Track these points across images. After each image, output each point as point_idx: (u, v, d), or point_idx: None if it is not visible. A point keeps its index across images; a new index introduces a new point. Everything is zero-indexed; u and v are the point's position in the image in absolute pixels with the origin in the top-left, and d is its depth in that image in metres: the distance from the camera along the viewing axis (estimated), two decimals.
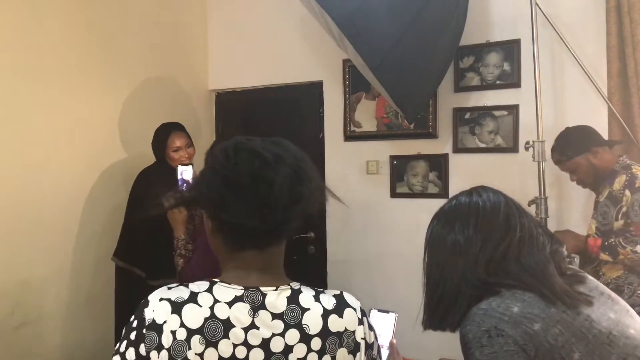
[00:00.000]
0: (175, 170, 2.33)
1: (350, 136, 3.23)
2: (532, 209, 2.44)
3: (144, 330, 0.87)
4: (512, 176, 2.78)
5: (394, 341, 1.33)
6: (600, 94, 2.52)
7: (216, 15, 3.60)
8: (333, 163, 3.29)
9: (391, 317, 1.38)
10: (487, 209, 1.11)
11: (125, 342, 0.88)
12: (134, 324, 0.89)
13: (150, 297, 0.91)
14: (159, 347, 0.86)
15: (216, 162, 0.94)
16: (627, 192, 2.07)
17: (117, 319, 2.53)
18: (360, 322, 0.96)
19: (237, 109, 3.62)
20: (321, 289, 0.98)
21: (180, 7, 3.39)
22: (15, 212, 2.34)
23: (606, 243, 2.08)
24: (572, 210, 2.68)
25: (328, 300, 0.95)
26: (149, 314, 0.88)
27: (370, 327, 0.98)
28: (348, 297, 0.98)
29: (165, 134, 2.55)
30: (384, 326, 1.36)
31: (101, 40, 2.77)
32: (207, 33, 3.62)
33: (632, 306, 2.01)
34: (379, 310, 1.40)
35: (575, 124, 2.59)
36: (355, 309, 0.97)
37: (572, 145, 2.26)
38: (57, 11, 2.54)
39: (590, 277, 1.14)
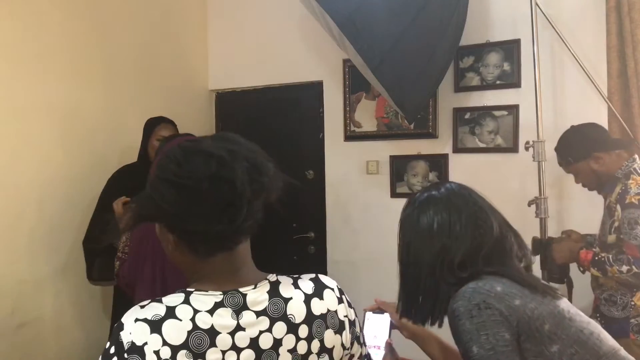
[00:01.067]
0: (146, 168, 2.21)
1: (350, 136, 3.23)
2: (532, 209, 2.44)
3: (125, 355, 0.82)
4: (512, 176, 2.78)
5: (391, 341, 1.33)
6: (600, 94, 2.52)
7: (216, 15, 3.60)
8: (333, 163, 3.29)
9: (386, 317, 1.38)
10: (456, 219, 1.20)
11: None
12: (112, 350, 0.83)
13: (123, 320, 0.86)
14: None
15: (167, 172, 0.87)
16: (618, 208, 1.97)
17: (113, 320, 2.53)
18: (340, 301, 0.97)
19: (237, 109, 3.62)
20: (297, 275, 0.98)
21: (181, 7, 3.39)
22: (15, 212, 2.34)
23: (596, 258, 1.99)
24: (572, 210, 2.68)
25: (306, 285, 0.96)
26: (126, 337, 0.83)
27: (350, 305, 1.00)
28: (324, 278, 1.00)
29: (155, 123, 2.61)
30: (380, 327, 1.36)
31: (101, 40, 2.77)
32: (207, 33, 3.62)
33: (627, 318, 1.99)
34: (374, 312, 1.40)
35: (575, 123, 2.59)
36: (333, 289, 0.98)
37: (573, 151, 2.14)
38: (57, 12, 2.54)
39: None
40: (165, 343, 0.82)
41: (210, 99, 3.68)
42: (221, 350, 0.85)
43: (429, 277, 1.18)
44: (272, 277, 0.95)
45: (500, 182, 2.82)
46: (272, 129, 3.42)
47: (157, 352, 0.82)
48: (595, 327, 1.14)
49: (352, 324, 0.98)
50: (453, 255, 1.17)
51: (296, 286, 0.94)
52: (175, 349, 0.82)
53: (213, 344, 0.84)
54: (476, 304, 1.08)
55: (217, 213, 0.85)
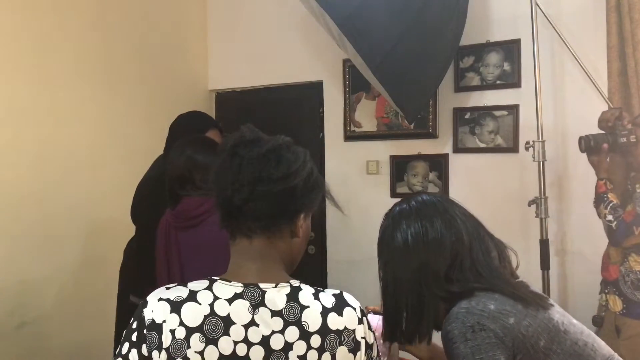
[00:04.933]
0: None
1: (350, 136, 3.23)
2: (532, 209, 2.44)
3: (145, 331, 0.88)
4: (512, 176, 2.78)
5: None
6: (601, 94, 2.52)
7: (216, 15, 3.60)
8: (333, 163, 3.29)
9: None
10: (429, 225, 1.18)
11: (127, 344, 0.89)
12: (134, 325, 0.89)
13: (148, 298, 0.91)
14: (159, 347, 0.86)
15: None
16: None
17: (118, 320, 2.51)
18: (360, 322, 0.96)
19: (237, 109, 3.61)
20: (321, 288, 0.98)
21: (180, 7, 3.39)
22: (15, 212, 2.34)
23: (603, 195, 2.08)
24: (572, 210, 2.68)
25: (327, 298, 0.95)
26: (148, 314, 0.89)
27: (370, 328, 0.99)
28: (348, 296, 0.99)
29: (204, 124, 2.27)
30: (379, 326, 1.36)
31: (101, 41, 2.77)
32: (207, 33, 3.62)
33: None
34: (374, 313, 1.40)
35: (575, 124, 2.59)
36: (355, 309, 0.97)
37: None
38: (57, 12, 2.54)
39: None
40: (181, 323, 0.87)
41: (210, 99, 3.68)
42: (233, 341, 0.88)
43: (410, 294, 1.16)
44: (295, 283, 0.96)
45: (500, 182, 2.82)
46: (272, 129, 3.37)
47: (172, 331, 0.87)
48: (589, 335, 1.14)
49: (369, 346, 0.97)
50: (436, 268, 1.15)
51: (316, 297, 0.95)
52: (190, 331, 0.87)
53: (227, 333, 0.88)
54: (470, 326, 1.06)
55: (227, 181, 0.93)
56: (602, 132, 2.19)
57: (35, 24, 2.43)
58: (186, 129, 2.28)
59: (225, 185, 0.94)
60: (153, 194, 2.17)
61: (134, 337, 0.88)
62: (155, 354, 0.86)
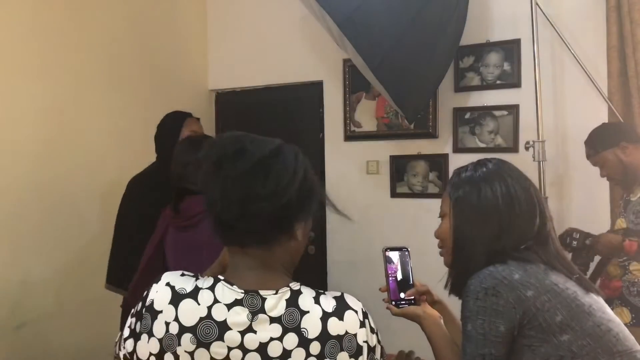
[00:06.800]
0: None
1: (350, 136, 3.23)
2: None
3: (144, 311, 0.90)
4: None
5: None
6: (601, 94, 2.52)
7: (216, 15, 3.60)
8: (333, 163, 3.29)
9: (405, 253, 1.37)
10: (515, 197, 1.19)
11: (133, 319, 0.93)
12: (141, 303, 0.92)
13: (162, 276, 0.93)
14: (150, 333, 0.87)
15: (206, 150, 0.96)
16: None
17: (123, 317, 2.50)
18: (362, 325, 0.93)
19: (237, 109, 3.62)
20: (322, 291, 0.95)
21: (180, 6, 3.39)
22: (15, 212, 2.34)
23: None
24: (572, 210, 2.68)
25: (328, 302, 0.92)
26: (152, 294, 0.91)
27: (372, 330, 0.95)
28: (349, 298, 0.95)
29: (180, 119, 2.32)
30: (402, 264, 1.35)
31: (101, 41, 2.77)
32: (207, 33, 3.62)
33: None
34: (392, 249, 1.38)
35: (575, 124, 2.60)
36: (356, 311, 0.93)
37: (601, 140, 2.23)
38: (57, 13, 2.54)
39: None
40: (176, 319, 0.87)
41: (210, 99, 3.68)
42: (227, 346, 0.86)
43: (481, 257, 1.18)
44: (295, 286, 0.93)
45: None
46: (272, 129, 3.35)
47: (167, 324, 0.87)
48: (617, 326, 1.13)
49: (371, 350, 0.93)
50: (511, 239, 1.17)
51: (316, 301, 0.92)
52: (183, 329, 0.87)
53: (221, 338, 0.86)
54: (485, 288, 1.11)
55: (216, 197, 0.91)
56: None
57: (36, 24, 2.43)
58: (170, 127, 2.33)
59: (213, 200, 0.91)
60: (144, 191, 2.26)
61: (135, 312, 0.92)
62: (144, 337, 0.88)
